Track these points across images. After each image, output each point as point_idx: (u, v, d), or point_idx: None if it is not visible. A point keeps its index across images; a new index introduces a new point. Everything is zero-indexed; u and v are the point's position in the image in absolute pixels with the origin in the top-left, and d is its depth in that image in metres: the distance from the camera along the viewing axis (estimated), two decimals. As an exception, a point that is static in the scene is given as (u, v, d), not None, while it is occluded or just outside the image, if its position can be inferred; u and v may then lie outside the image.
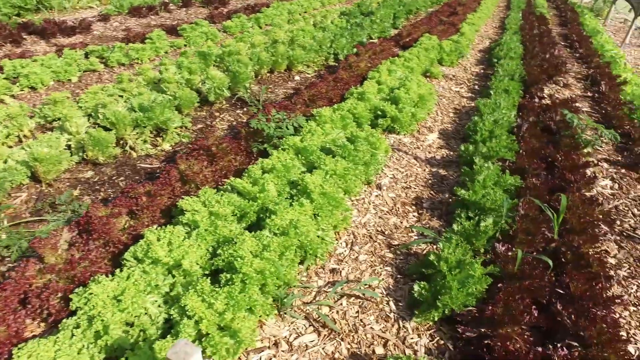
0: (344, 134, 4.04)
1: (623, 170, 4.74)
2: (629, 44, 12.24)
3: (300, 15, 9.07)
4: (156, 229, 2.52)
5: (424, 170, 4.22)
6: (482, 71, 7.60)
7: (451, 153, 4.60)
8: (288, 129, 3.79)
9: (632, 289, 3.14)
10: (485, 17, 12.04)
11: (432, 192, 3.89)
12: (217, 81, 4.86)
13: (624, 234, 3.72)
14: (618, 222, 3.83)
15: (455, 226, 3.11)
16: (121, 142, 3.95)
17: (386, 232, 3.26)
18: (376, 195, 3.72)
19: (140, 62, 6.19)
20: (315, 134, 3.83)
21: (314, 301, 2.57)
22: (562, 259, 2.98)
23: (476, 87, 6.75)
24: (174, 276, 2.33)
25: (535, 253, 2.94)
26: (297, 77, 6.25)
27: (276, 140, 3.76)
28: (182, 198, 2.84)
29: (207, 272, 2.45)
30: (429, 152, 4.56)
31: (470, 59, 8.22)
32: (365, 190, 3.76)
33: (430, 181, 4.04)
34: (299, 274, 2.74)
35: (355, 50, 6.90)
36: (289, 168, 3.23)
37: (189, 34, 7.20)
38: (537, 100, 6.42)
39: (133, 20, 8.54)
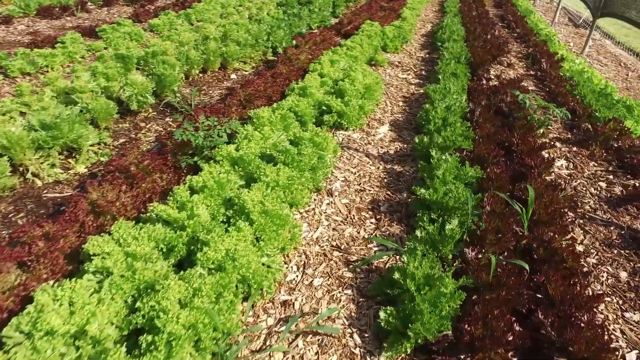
0: (285, 136, 3.60)
1: (575, 148, 4.63)
2: (557, 22, 12.59)
3: (234, 8, 8.46)
4: (53, 285, 1.98)
5: (378, 168, 3.87)
6: (427, 55, 7.38)
7: (405, 146, 4.29)
8: (221, 137, 3.29)
9: (603, 277, 2.95)
10: (424, 1, 11.94)
11: (389, 192, 3.54)
12: (139, 87, 4.26)
13: (586, 216, 3.55)
14: (579, 205, 3.66)
15: (418, 232, 2.77)
16: (20, 168, 3.29)
17: (342, 247, 2.87)
18: (328, 204, 3.32)
19: (51, 69, 5.41)
20: (253, 139, 3.37)
21: (264, 347, 2.14)
22: (535, 256, 2.72)
23: (423, 72, 6.51)
24: (78, 348, 1.81)
25: (506, 253, 2.66)
26: (233, 76, 5.71)
27: (208, 151, 3.26)
28: (92, 237, 2.29)
29: (125, 333, 1.95)
30: (382, 147, 4.22)
31: (414, 44, 8.00)
32: (314, 199, 3.36)
33: (385, 180, 3.70)
34: (244, 314, 2.29)
35: (294, 42, 6.44)
36: (223, 184, 2.75)
37: (109, 35, 6.43)
38: (484, 82, 6.26)
39: (44, 23, 7.59)
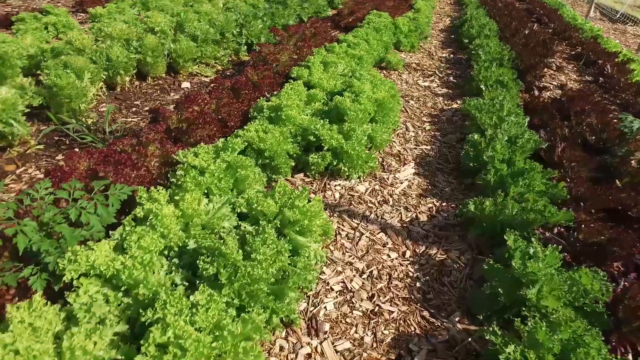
0: (230, 208, 1.91)
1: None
2: (593, 17, 10.89)
3: (208, -4, 6.75)
4: None
5: (403, 254, 2.17)
6: (451, 56, 5.68)
7: (444, 204, 2.58)
8: (93, 227, 1.57)
9: None
10: (438, -9, 10.23)
11: (425, 314, 1.85)
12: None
13: None
14: None
15: None
16: None
17: None
18: (306, 357, 1.63)
19: None
20: (161, 224, 1.67)
21: None
22: None
23: (451, 78, 4.80)
24: None
25: None
26: (186, 84, 4.01)
27: (54, 258, 1.55)
28: None
29: None
30: (407, 210, 2.51)
31: (433, 41, 6.29)
32: (280, 347, 1.66)
33: (418, 284, 2.00)
34: None
35: (272, 37, 4.73)
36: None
37: (24, 26, 4.74)
38: (537, 92, 4.57)
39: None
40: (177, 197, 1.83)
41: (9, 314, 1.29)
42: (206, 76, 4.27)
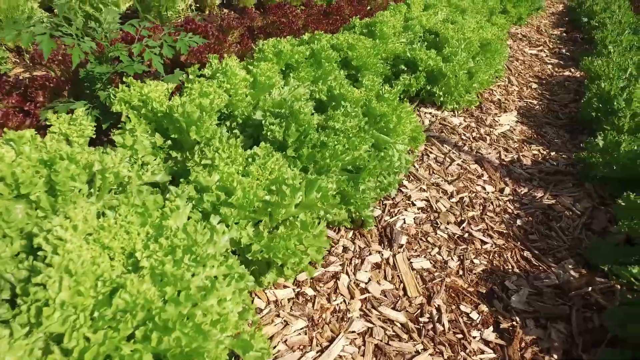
0: (309, 97, 1.64)
1: None
2: None
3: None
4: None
5: (501, 190, 1.78)
6: (564, 35, 5.01)
7: (553, 154, 2.13)
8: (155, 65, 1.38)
9: None
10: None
11: (528, 259, 1.45)
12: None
13: None
14: None
15: None
16: None
17: None
18: (375, 266, 1.31)
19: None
20: (227, 81, 1.44)
21: None
22: None
23: (564, 51, 4.19)
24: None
25: None
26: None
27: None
28: None
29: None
30: (506, 150, 2.10)
31: (543, 21, 5.62)
32: (344, 248, 1.36)
33: (519, 222, 1.61)
34: None
35: None
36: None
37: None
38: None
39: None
40: (251, 67, 1.59)
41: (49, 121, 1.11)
42: (294, 16, 4.06)
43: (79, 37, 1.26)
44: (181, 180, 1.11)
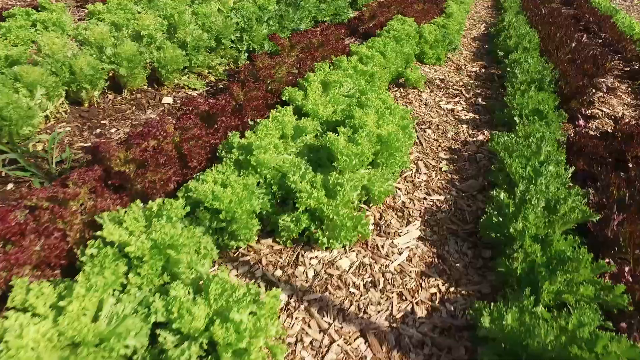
0: (144, 317, 1.37)
1: None
2: (651, 23, 9.78)
3: (220, -7, 6.23)
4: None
5: (388, 374, 1.58)
6: (483, 71, 4.96)
7: (451, 289, 1.96)
8: None
9: None
10: (474, -8, 9.41)
11: None
12: None
13: None
14: None
15: None
16: None
17: None
18: None
19: None
20: None
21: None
22: None
23: (480, 100, 4.11)
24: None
25: None
26: (168, 99, 3.50)
27: None
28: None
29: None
30: (400, 299, 1.91)
31: (464, 52, 5.58)
32: None
33: None
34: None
35: (266, 46, 4.14)
36: None
37: (11, 24, 4.35)
38: (581, 121, 3.85)
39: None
40: (62, 303, 1.30)
41: None
42: (194, 89, 3.74)
43: None
44: None
